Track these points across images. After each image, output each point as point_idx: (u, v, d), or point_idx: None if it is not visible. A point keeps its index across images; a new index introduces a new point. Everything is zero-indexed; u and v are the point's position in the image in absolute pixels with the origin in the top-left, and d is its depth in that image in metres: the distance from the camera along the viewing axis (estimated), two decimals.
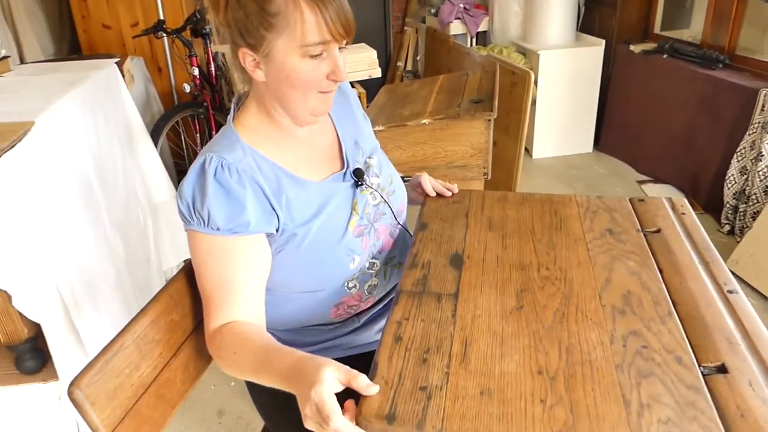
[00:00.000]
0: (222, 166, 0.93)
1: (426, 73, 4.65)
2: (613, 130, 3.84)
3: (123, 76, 2.26)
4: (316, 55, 0.92)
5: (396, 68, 4.99)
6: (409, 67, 4.96)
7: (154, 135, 2.69)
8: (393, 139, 1.98)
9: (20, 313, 1.31)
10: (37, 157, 1.40)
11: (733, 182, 2.77)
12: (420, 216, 1.20)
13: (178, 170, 3.29)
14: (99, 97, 1.94)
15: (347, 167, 1.09)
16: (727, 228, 2.84)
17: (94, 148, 1.80)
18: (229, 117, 1.03)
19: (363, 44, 2.86)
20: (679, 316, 0.87)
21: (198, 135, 3.00)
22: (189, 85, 2.97)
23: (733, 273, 2.53)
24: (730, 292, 0.92)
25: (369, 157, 1.15)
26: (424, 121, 1.92)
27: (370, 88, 2.59)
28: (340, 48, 0.95)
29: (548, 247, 1.05)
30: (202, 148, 3.12)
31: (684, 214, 1.17)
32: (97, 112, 1.90)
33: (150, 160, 2.31)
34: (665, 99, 3.35)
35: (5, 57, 2.07)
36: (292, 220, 0.99)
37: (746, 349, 0.80)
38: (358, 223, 1.06)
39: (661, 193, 3.29)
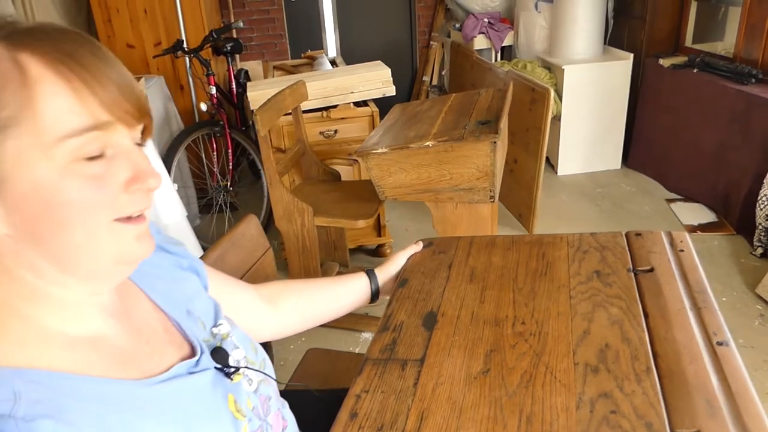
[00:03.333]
0: None
1: (451, 88, 4.60)
2: (641, 146, 3.71)
3: None
4: (95, 157, 0.54)
5: (422, 83, 4.96)
6: (435, 81, 4.92)
7: (169, 155, 2.72)
8: (397, 162, 1.94)
9: None
10: None
11: (765, 203, 2.62)
12: (402, 270, 1.15)
13: (197, 188, 3.32)
14: None
15: (201, 352, 0.69)
16: (759, 251, 2.69)
17: None
18: None
19: (378, 61, 2.83)
20: (658, 372, 0.79)
21: (215, 154, 3.02)
22: (206, 104, 2.99)
23: (763, 300, 2.41)
24: (720, 344, 0.84)
25: (215, 326, 0.77)
26: (427, 143, 1.87)
27: (385, 106, 2.56)
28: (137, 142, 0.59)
29: (528, 297, 0.99)
30: (218, 168, 3.16)
31: (682, 251, 1.09)
32: None
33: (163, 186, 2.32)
34: (696, 115, 3.22)
35: None
36: None
37: (728, 412, 0.72)
38: (251, 431, 0.70)
39: (690, 212, 3.15)
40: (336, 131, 2.63)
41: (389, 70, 2.71)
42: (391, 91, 2.70)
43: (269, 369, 0.82)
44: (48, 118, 0.51)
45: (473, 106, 2.16)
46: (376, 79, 2.69)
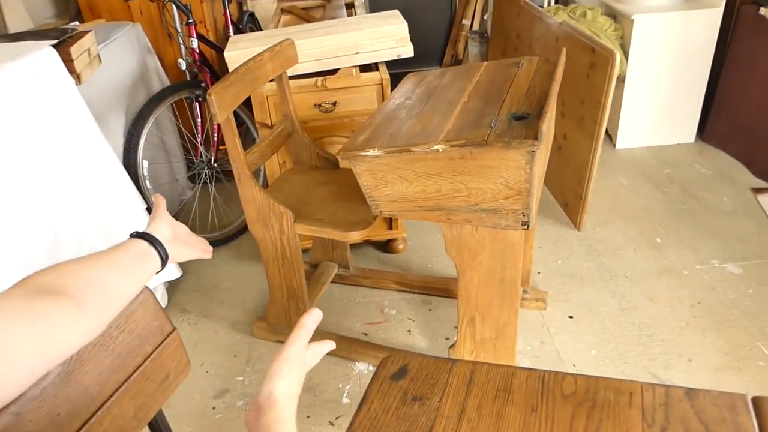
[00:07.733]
0: None
1: (493, 37, 3.90)
2: (724, 117, 3.01)
3: (70, 60, 1.77)
4: None
5: (461, 27, 4.27)
6: (476, 26, 4.22)
7: (136, 128, 2.22)
8: (395, 168, 1.40)
9: None
10: None
11: None
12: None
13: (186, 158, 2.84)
14: (7, 99, 1.47)
15: None
16: None
17: None
18: None
19: (395, 11, 2.23)
20: None
21: (199, 121, 2.51)
22: (185, 60, 2.46)
23: None
24: None
25: None
26: (436, 147, 1.32)
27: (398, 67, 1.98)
28: None
29: None
30: (201, 138, 2.66)
31: None
32: None
33: (105, 173, 1.84)
34: None
35: None
36: None
37: None
38: None
39: None
40: (335, 103, 2.08)
41: (406, 24, 2.11)
42: (407, 51, 2.11)
43: None
44: None
45: (509, 85, 1.57)
46: (388, 36, 2.10)
